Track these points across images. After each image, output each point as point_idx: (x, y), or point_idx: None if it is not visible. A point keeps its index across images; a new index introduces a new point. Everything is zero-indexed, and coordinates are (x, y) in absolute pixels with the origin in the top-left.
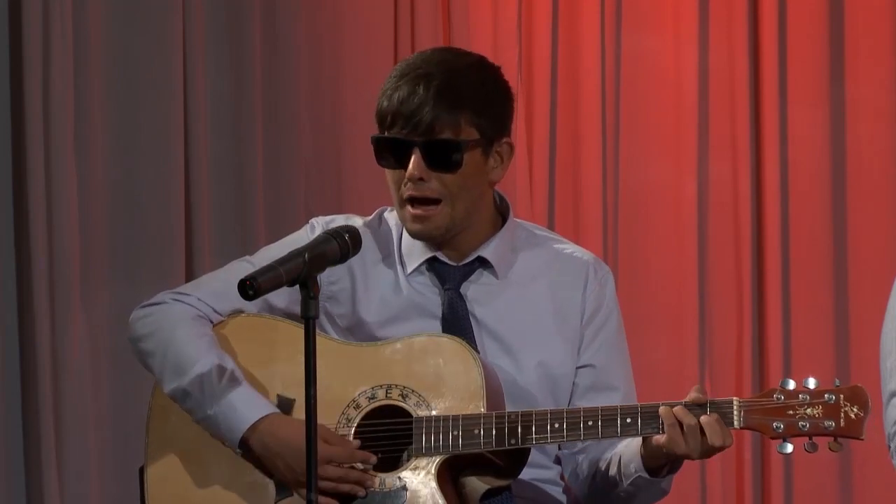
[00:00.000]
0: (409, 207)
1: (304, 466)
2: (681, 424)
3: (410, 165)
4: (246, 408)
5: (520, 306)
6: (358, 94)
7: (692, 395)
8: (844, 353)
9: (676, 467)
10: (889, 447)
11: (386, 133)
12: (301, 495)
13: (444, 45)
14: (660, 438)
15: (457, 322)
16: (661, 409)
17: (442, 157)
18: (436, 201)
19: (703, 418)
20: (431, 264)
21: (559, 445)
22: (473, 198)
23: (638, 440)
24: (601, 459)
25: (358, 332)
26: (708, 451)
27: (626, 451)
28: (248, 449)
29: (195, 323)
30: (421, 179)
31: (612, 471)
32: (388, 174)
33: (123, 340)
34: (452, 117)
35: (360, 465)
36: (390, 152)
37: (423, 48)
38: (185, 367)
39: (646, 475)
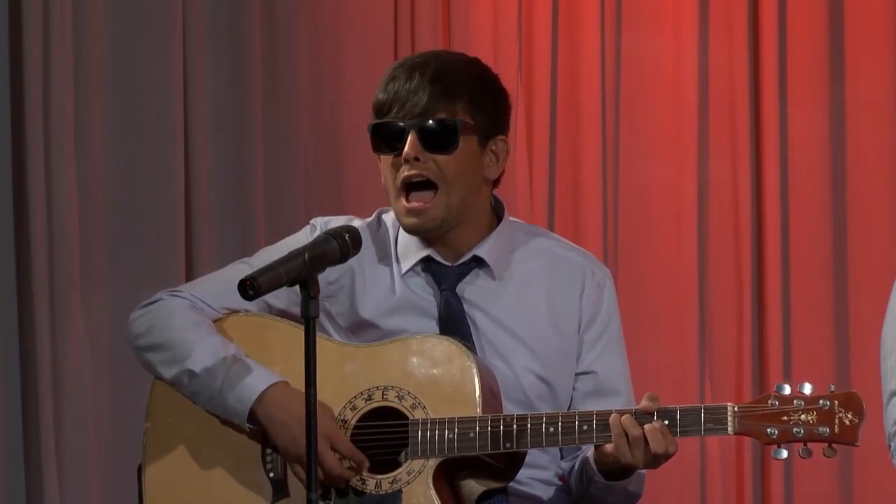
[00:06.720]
0: (404, 201)
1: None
2: (626, 434)
3: (406, 146)
4: (254, 378)
5: (516, 309)
6: (358, 94)
7: (644, 402)
8: (844, 353)
9: (630, 473)
10: (889, 447)
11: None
12: (296, 474)
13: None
14: (609, 446)
15: (453, 323)
16: (611, 418)
17: (437, 138)
18: (431, 187)
19: (646, 427)
20: (427, 265)
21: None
22: (469, 188)
23: None
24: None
25: (357, 330)
26: (653, 460)
27: (589, 453)
28: (255, 420)
29: (192, 311)
30: (416, 159)
31: (583, 471)
32: (384, 163)
33: (123, 340)
34: (447, 101)
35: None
36: (386, 138)
37: (423, 48)
38: (187, 350)
39: (601, 479)
